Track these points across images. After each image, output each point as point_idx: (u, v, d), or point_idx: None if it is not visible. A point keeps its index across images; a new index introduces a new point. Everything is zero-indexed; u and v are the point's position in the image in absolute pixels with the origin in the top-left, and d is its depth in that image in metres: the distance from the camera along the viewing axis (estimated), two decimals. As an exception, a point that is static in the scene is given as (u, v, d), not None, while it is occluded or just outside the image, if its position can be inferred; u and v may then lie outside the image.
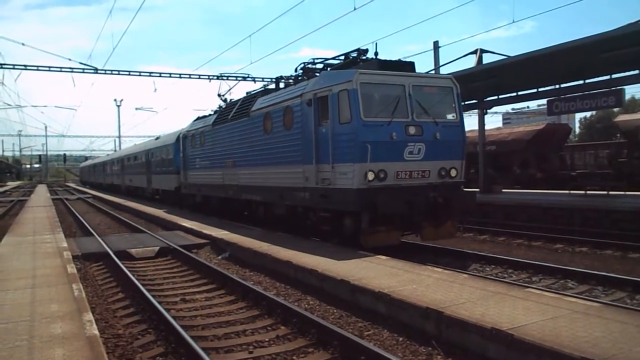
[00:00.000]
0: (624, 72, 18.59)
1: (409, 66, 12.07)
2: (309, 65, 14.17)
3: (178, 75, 33.35)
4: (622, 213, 15.74)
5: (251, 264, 11.48)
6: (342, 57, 13.40)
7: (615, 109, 29.51)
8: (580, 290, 8.90)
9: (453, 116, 11.88)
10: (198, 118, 22.79)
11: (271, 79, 21.01)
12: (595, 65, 18.16)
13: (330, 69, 13.40)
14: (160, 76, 31.57)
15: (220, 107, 20.64)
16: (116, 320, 7.65)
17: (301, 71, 14.34)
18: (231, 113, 17.68)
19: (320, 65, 14.07)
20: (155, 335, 6.88)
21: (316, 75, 13.09)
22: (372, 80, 10.97)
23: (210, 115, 21.06)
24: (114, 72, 30.46)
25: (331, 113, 11.22)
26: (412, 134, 10.96)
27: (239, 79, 29.04)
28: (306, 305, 8.12)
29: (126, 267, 10.87)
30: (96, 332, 5.85)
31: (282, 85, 15.64)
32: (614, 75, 18.87)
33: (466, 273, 9.01)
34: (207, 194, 20.50)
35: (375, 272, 8.61)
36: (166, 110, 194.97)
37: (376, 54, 12.34)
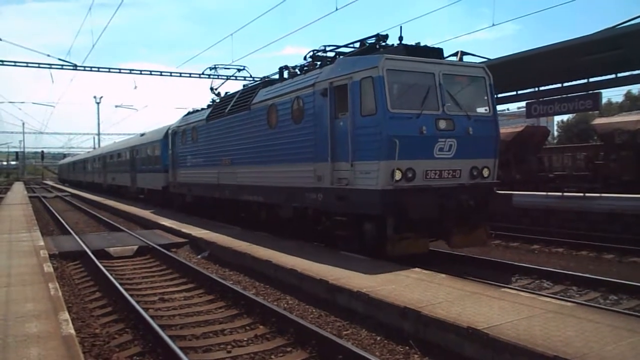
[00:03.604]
0: (601, 76, 18.94)
1: (437, 52, 10.81)
2: (320, 54, 12.67)
3: (159, 73, 33.02)
4: (598, 215, 16.02)
5: (231, 263, 11.45)
6: (357, 45, 11.98)
7: (593, 112, 29.98)
8: (555, 290, 9.05)
9: (485, 109, 10.76)
10: (189, 112, 21.29)
11: (262, 77, 19.14)
12: (573, 69, 18.46)
13: (345, 57, 11.80)
14: (140, 73, 31.43)
15: (213, 101, 19.28)
16: (93, 320, 7.58)
17: (310, 59, 12.86)
18: (228, 106, 16.32)
19: (331, 54, 12.56)
20: (132, 334, 6.84)
21: (329, 64, 11.78)
22: (399, 67, 9.75)
23: (203, 109, 19.62)
24: (93, 69, 30.17)
25: (351, 104, 10.06)
26: (443, 128, 9.82)
27: (234, 78, 27.76)
28: (285, 305, 8.13)
29: (104, 266, 10.77)
30: (72, 331, 5.80)
31: (286, 75, 14.05)
32: (591, 79, 19.21)
33: (444, 273, 9.05)
34: (200, 194, 19.14)
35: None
36: (146, 108, 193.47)
37: (400, 38, 10.90)
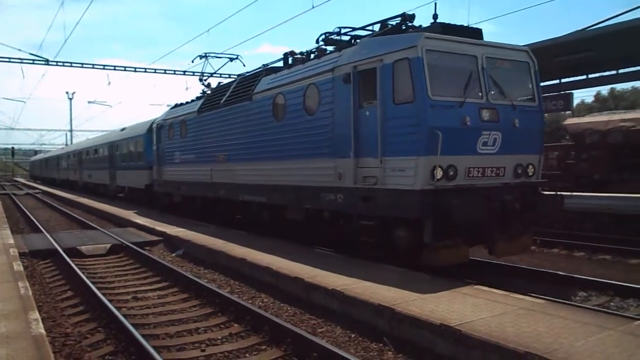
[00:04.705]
0: (573, 77, 19.30)
1: (477, 33, 9.55)
2: (333, 37, 11.25)
3: (133, 69, 32.72)
4: (569, 213, 16.30)
5: (206, 262, 11.37)
6: (377, 27, 10.64)
7: (565, 113, 30.51)
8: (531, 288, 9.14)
9: (530, 98, 9.67)
10: (176, 105, 19.65)
11: (239, 75, 17.44)
12: (546, 70, 18.75)
13: (370, 38, 10.44)
14: (114, 69, 31.06)
15: (203, 92, 17.88)
16: (64, 319, 7.46)
17: (322, 43, 11.37)
18: (224, 97, 14.77)
19: (346, 38, 11.16)
20: (105, 333, 6.76)
21: (351, 45, 10.49)
22: (439, 47, 8.54)
23: (193, 101, 17.97)
24: (66, 64, 29.76)
25: (381, 91, 8.85)
26: (487, 119, 8.70)
27: (227, 76, 25.79)
28: (260, 303, 8.12)
29: (76, 264, 10.59)
30: (42, 331, 5.71)
31: (291, 62, 12.66)
32: (563, 80, 19.56)
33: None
34: (190, 193, 17.47)
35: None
36: (121, 104, 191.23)
37: (435, 16, 9.51)
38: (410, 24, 9.91)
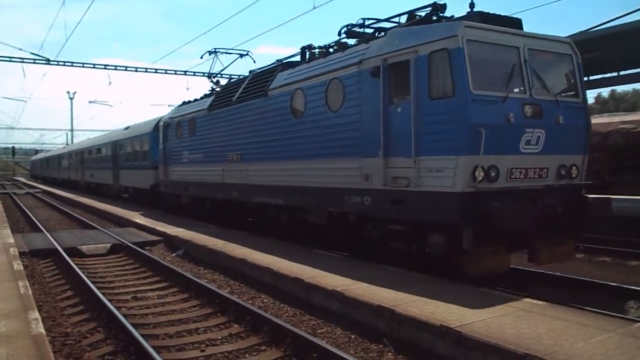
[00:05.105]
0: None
1: (517, 23, 8.89)
2: (356, 29, 10.60)
3: (134, 69, 32.77)
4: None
5: (206, 262, 11.38)
6: (404, 19, 9.90)
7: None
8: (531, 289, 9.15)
9: (574, 94, 9.04)
10: (184, 102, 19.02)
11: (238, 76, 17.43)
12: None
13: (401, 28, 9.61)
14: (115, 69, 31.11)
15: (212, 89, 17.36)
16: (64, 319, 7.46)
17: (344, 36, 10.72)
18: (236, 94, 14.09)
19: (369, 31, 10.48)
20: (104, 333, 6.76)
21: (376, 37, 9.92)
22: (480, 38, 7.90)
23: (202, 98, 17.30)
24: (67, 64, 29.81)
25: (415, 85, 8.22)
26: (530, 115, 8.03)
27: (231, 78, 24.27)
28: (260, 303, 8.12)
29: (76, 264, 10.59)
30: (42, 330, 5.71)
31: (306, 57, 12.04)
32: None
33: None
34: (199, 194, 16.77)
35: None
36: (121, 104, 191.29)
37: (472, 5, 8.82)
38: (441, 14, 9.20)
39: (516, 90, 8.13)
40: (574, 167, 8.74)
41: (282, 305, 7.98)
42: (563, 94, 8.86)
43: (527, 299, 6.94)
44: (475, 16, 8.35)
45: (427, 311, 6.24)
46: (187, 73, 32.12)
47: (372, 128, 9.05)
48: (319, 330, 6.78)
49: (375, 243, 9.53)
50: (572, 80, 9.05)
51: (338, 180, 9.97)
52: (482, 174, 7.56)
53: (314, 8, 18.96)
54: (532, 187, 8.13)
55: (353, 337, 6.49)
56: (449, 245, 7.86)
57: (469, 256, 7.70)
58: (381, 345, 6.14)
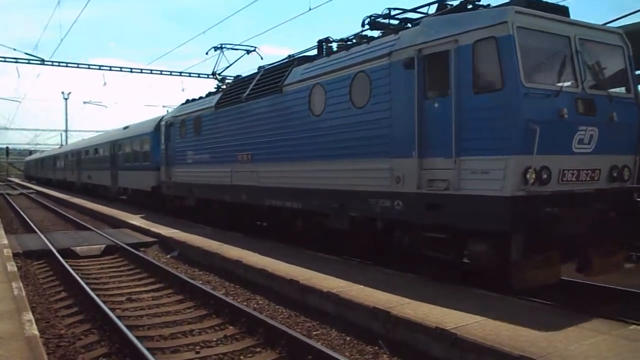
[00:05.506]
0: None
1: (564, 12, 8.08)
2: (380, 20, 9.81)
3: (129, 70, 32.67)
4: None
5: (201, 263, 11.35)
6: (427, 9, 9.35)
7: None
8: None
9: (625, 89, 8.24)
10: (188, 100, 18.20)
11: (235, 76, 16.29)
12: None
13: (436, 17, 8.81)
14: (110, 69, 31.06)
15: (218, 87, 16.74)
16: (58, 320, 7.43)
17: (367, 27, 9.95)
18: (247, 91, 13.25)
19: (394, 22, 9.75)
20: (99, 335, 6.73)
21: (404, 28, 9.23)
22: (531, 25, 7.16)
23: (207, 96, 16.48)
24: (61, 64, 29.69)
25: (456, 77, 7.48)
26: (583, 112, 7.29)
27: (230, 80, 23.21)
28: (255, 305, 8.10)
29: (70, 265, 10.56)
30: (36, 332, 5.70)
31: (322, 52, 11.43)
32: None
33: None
34: (205, 196, 15.92)
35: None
36: (116, 104, 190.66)
37: None
38: (477, 3, 8.39)
39: (567, 83, 7.47)
40: (626, 169, 8.00)
41: (277, 307, 7.96)
42: (615, 89, 8.15)
43: (523, 301, 6.96)
44: (522, 1, 7.51)
45: (422, 313, 6.25)
46: (183, 74, 32.07)
47: (405, 125, 8.33)
48: (314, 332, 6.78)
49: (407, 250, 8.82)
50: (623, 74, 8.30)
51: (364, 183, 9.23)
52: (533, 176, 6.87)
53: (309, 10, 19.35)
54: (584, 191, 7.34)
55: (348, 338, 6.49)
56: (493, 254, 7.19)
57: (517, 267, 6.95)
58: (377, 347, 6.13)
